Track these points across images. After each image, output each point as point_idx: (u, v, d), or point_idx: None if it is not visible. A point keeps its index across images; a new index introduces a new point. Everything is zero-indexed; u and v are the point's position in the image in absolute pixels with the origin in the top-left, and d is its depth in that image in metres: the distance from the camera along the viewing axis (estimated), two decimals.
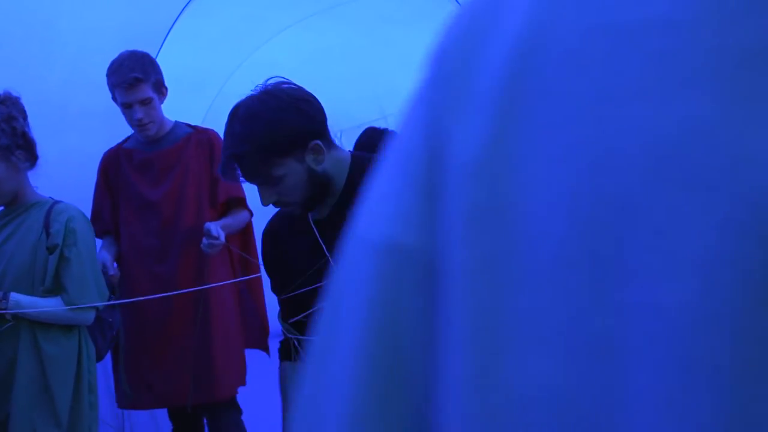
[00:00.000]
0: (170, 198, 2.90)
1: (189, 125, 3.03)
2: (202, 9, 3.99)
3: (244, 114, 1.52)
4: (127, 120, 2.88)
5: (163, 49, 3.53)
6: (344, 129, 3.33)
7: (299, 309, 1.59)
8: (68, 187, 3.07)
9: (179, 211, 2.90)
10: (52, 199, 2.52)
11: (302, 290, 1.54)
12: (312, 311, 1.50)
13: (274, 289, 1.79)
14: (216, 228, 2.70)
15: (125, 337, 2.85)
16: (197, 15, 3.89)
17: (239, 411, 2.99)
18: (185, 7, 3.46)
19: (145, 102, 2.81)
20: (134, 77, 2.75)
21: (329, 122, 1.59)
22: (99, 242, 2.94)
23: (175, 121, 3.02)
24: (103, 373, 2.91)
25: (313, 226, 1.58)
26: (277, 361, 1.77)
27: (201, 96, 6.22)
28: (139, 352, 2.88)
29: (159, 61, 3.66)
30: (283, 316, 1.69)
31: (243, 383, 2.96)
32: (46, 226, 2.40)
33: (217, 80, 6.29)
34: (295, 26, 5.84)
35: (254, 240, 3.05)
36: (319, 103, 1.60)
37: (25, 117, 2.44)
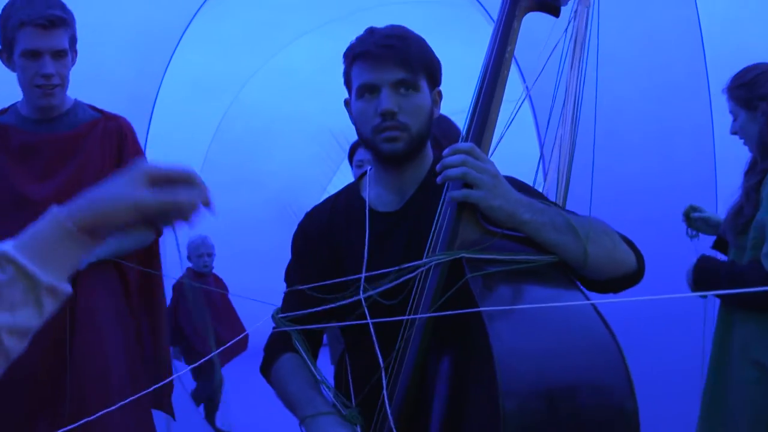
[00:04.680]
0: (60, 199, 1.84)
1: (94, 108, 2.27)
2: (219, 11, 3.92)
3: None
4: (24, 78, 2.10)
5: (177, 50, 3.44)
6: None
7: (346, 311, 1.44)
8: None
9: None
10: None
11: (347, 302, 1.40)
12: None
13: (293, 280, 1.58)
14: None
15: None
16: (214, 17, 3.82)
17: None
18: (201, 7, 3.38)
19: (60, 55, 2.08)
20: (54, 15, 2.03)
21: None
22: None
23: (76, 99, 2.24)
24: None
25: (367, 220, 1.48)
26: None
27: (216, 101, 6.17)
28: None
29: (173, 62, 3.48)
30: (289, 309, 1.52)
31: None
32: None
33: (233, 85, 6.25)
34: (314, 32, 5.79)
35: (159, 262, 2.37)
36: None
37: None
